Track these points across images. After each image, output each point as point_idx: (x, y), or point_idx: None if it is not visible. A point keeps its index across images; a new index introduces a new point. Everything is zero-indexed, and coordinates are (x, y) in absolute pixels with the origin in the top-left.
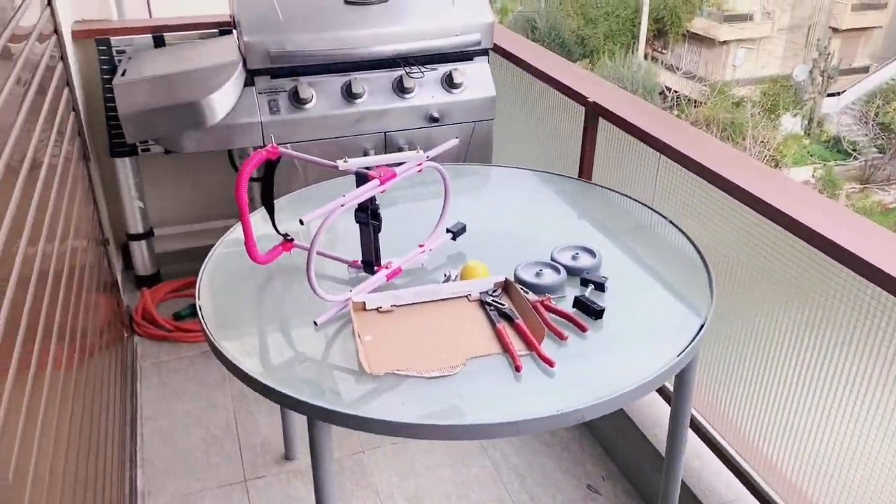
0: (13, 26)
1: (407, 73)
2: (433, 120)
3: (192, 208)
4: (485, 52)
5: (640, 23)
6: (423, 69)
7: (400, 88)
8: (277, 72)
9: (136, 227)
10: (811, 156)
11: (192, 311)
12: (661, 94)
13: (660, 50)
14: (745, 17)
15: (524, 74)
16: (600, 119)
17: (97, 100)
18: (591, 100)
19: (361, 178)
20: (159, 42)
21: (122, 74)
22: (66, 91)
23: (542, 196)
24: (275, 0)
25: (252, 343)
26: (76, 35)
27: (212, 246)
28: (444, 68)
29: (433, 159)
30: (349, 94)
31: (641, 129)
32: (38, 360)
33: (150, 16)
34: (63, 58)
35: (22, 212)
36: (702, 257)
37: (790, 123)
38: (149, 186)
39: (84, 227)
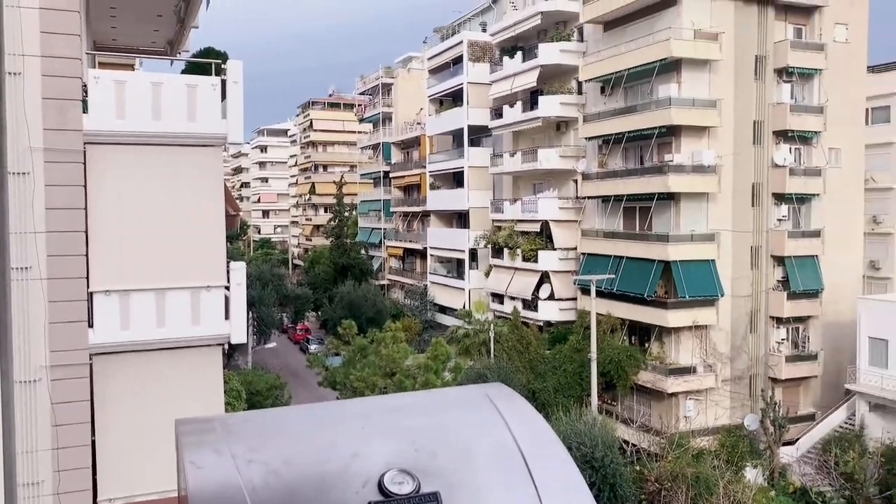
0: None
1: None
2: None
3: None
4: None
5: (587, 376)
6: None
7: None
8: None
9: None
10: None
11: None
12: (620, 448)
13: (609, 402)
14: (688, 370)
15: None
16: None
17: None
18: None
19: None
20: None
21: None
22: None
23: None
24: None
25: None
26: None
27: None
28: None
29: None
30: None
31: None
32: None
33: None
34: None
35: None
36: None
37: (752, 474)
38: None
39: None
